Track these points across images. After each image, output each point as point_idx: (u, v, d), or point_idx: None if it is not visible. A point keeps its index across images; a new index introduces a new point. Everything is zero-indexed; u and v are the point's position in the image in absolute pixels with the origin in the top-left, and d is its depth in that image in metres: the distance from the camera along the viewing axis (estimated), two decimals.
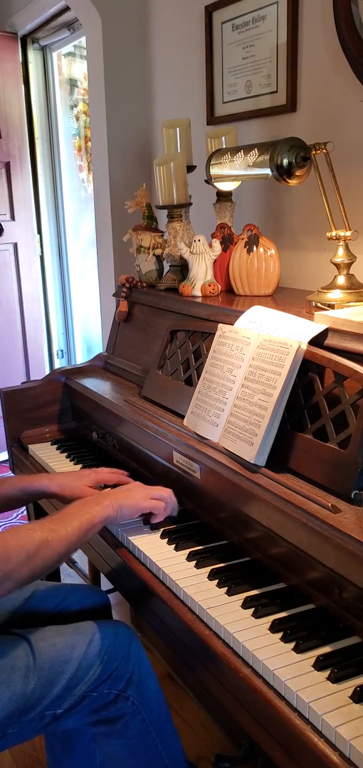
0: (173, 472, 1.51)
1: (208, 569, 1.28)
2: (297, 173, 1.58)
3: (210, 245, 1.91)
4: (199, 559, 1.32)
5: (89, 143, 3.37)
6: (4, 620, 1.43)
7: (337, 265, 1.57)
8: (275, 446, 1.27)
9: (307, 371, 1.29)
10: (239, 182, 1.95)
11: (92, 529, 1.30)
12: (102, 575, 1.85)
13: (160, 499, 1.44)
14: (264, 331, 1.41)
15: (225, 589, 1.22)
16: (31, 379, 3.22)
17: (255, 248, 1.82)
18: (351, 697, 0.95)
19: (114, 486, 1.60)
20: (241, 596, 1.19)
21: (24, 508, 2.83)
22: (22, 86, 3.89)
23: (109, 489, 1.46)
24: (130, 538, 1.43)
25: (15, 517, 3.31)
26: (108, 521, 1.35)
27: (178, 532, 1.43)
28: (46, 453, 1.97)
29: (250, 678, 1.03)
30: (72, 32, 3.61)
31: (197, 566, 1.30)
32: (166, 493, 1.46)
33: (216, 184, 1.92)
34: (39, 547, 1.19)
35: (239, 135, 2.07)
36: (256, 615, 1.14)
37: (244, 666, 1.06)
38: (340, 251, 1.56)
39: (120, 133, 2.78)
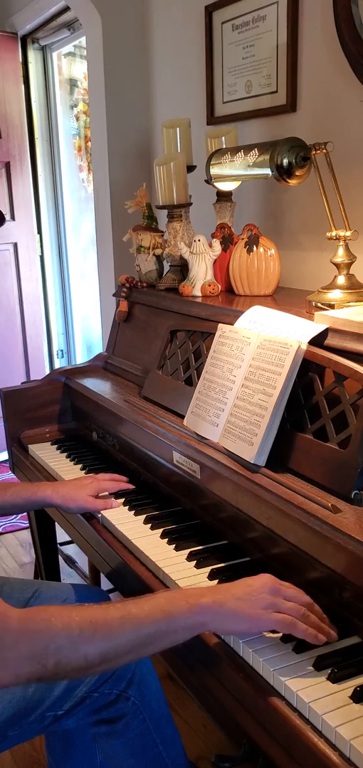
0: (173, 471, 1.51)
1: (208, 569, 1.28)
2: (297, 173, 1.58)
3: (210, 245, 1.91)
4: (199, 559, 1.32)
5: (89, 143, 3.37)
6: None
7: (337, 265, 1.57)
8: (275, 446, 1.27)
9: (307, 371, 1.29)
10: (239, 182, 1.95)
11: (166, 637, 0.98)
12: (102, 575, 1.85)
13: (290, 612, 1.02)
14: (264, 331, 1.41)
15: None
16: (31, 379, 3.23)
17: (255, 248, 1.82)
18: (351, 697, 0.95)
19: (117, 494, 1.61)
20: None
21: None
22: (22, 86, 3.90)
23: (224, 585, 1.07)
24: (130, 538, 1.43)
25: (15, 518, 3.31)
26: (202, 628, 1.01)
27: (178, 532, 1.43)
28: (46, 453, 1.97)
29: (249, 678, 1.03)
30: (72, 32, 3.62)
31: (197, 566, 1.30)
32: (297, 605, 1.03)
33: (216, 184, 1.92)
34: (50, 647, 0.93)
35: (239, 135, 2.07)
36: None
37: (244, 666, 1.06)
38: (340, 251, 1.56)
39: (120, 133, 2.78)
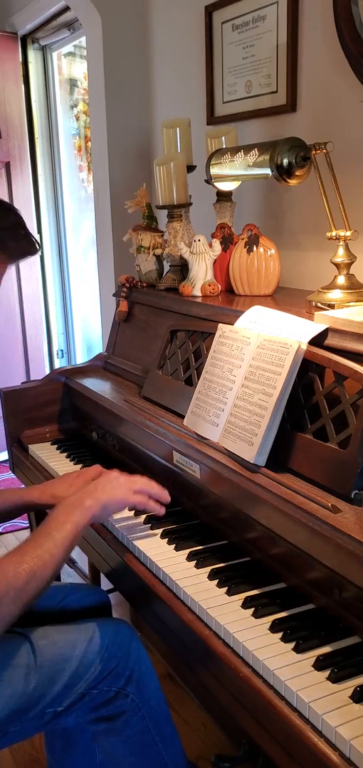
0: (173, 471, 1.51)
1: (208, 569, 1.28)
2: (297, 173, 1.58)
3: (210, 245, 1.91)
4: (199, 559, 1.32)
5: (89, 143, 3.37)
6: None
7: (337, 265, 1.57)
8: (275, 446, 1.27)
9: (307, 371, 1.29)
10: (239, 182, 1.95)
11: (78, 537, 1.27)
12: (102, 575, 1.85)
13: (142, 492, 1.40)
14: (264, 331, 1.41)
15: (225, 589, 1.22)
16: (31, 379, 3.22)
17: (255, 248, 1.82)
18: (351, 697, 0.95)
19: None
20: (241, 596, 1.20)
21: None
22: (22, 86, 3.89)
23: (90, 484, 1.38)
24: (130, 538, 1.43)
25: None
26: (92, 521, 1.31)
27: (178, 532, 1.43)
28: (46, 453, 1.97)
29: (250, 678, 1.03)
30: (72, 32, 3.61)
31: (197, 566, 1.30)
32: (148, 485, 1.42)
33: (216, 184, 1.92)
34: (28, 580, 1.14)
35: (239, 135, 2.07)
36: (256, 615, 1.14)
37: (244, 666, 1.06)
38: (340, 251, 1.56)
39: (120, 133, 2.78)
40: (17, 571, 1.14)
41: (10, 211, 1.33)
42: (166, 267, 2.14)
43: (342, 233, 1.55)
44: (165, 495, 1.44)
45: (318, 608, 1.15)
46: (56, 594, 1.50)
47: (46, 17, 3.56)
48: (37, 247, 1.39)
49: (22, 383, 2.16)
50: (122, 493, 1.36)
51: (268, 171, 1.59)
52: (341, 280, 1.56)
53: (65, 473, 1.64)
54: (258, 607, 1.16)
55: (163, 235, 2.13)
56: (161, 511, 1.42)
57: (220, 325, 1.53)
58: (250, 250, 1.82)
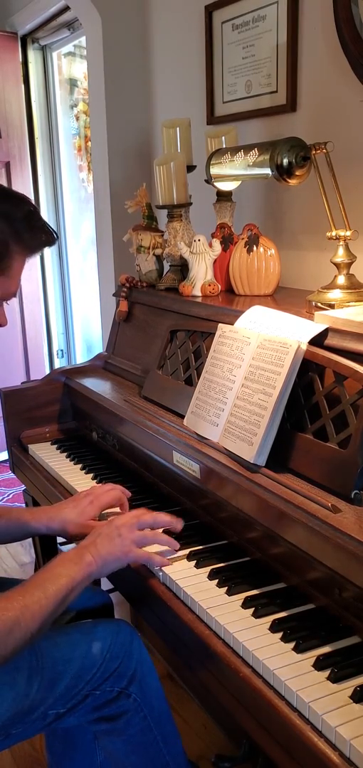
0: (173, 472, 1.51)
1: (208, 569, 1.28)
2: (297, 173, 1.58)
3: (210, 245, 1.91)
4: (199, 559, 1.32)
5: (89, 143, 3.37)
6: None
7: (337, 265, 1.57)
8: (275, 446, 1.27)
9: (307, 371, 1.29)
10: (239, 182, 1.95)
11: (73, 593, 1.20)
12: None
13: (147, 534, 1.32)
14: (264, 330, 1.41)
15: (225, 588, 1.22)
16: (31, 379, 3.22)
17: (255, 248, 1.82)
18: (351, 697, 0.95)
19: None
20: (241, 596, 1.20)
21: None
22: (22, 86, 3.90)
23: (92, 534, 1.30)
24: None
25: None
26: (90, 579, 1.24)
27: (178, 532, 1.43)
28: (46, 453, 1.97)
29: (250, 678, 1.03)
30: (72, 32, 3.62)
31: (197, 566, 1.30)
32: (155, 518, 1.35)
33: (216, 184, 1.92)
34: (10, 629, 1.08)
35: (239, 135, 2.07)
36: (256, 615, 1.14)
37: (244, 666, 1.06)
38: (340, 251, 1.56)
39: (120, 133, 2.78)
40: (3, 615, 1.07)
41: (24, 201, 1.29)
42: (166, 267, 2.14)
43: (342, 233, 1.55)
44: (175, 524, 1.37)
45: (318, 608, 1.15)
46: None
47: (46, 17, 3.56)
48: (55, 236, 1.33)
49: (22, 383, 2.16)
50: (121, 548, 1.27)
51: (268, 171, 1.59)
52: (341, 280, 1.56)
53: (76, 494, 1.53)
54: (258, 607, 1.16)
55: (163, 235, 2.13)
56: (175, 546, 1.35)
57: (220, 325, 1.53)
58: (250, 250, 1.82)
